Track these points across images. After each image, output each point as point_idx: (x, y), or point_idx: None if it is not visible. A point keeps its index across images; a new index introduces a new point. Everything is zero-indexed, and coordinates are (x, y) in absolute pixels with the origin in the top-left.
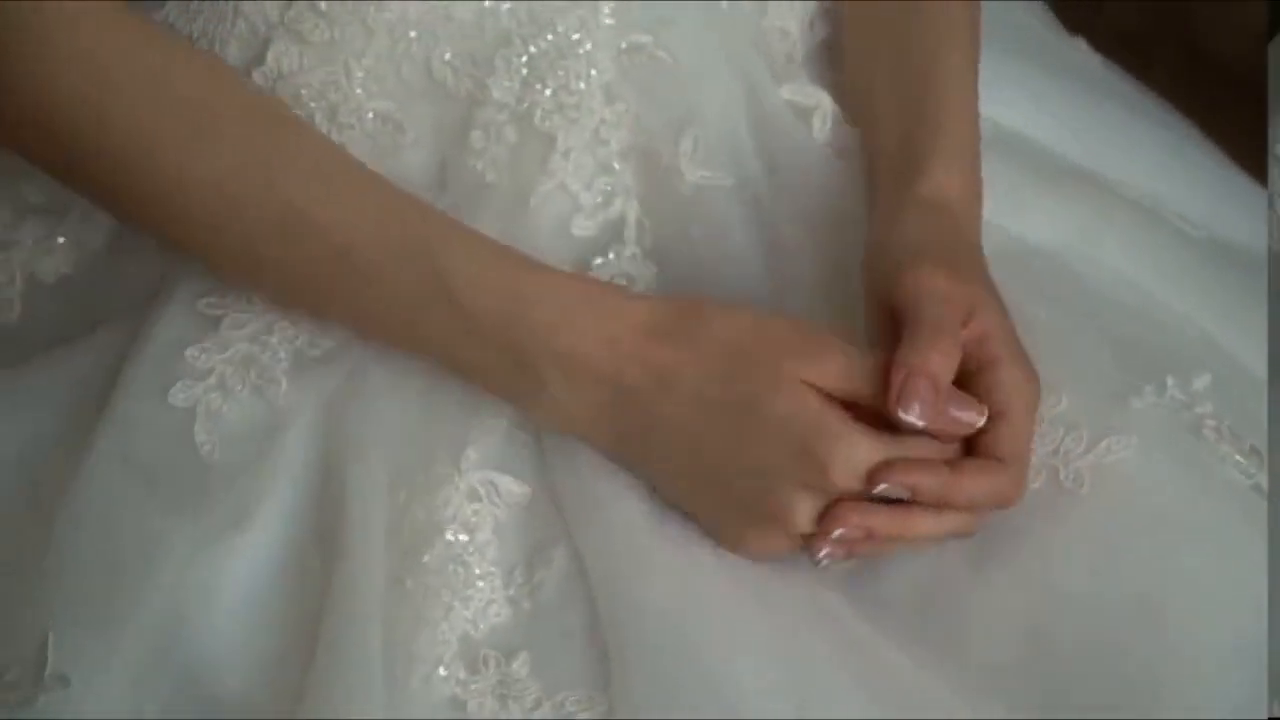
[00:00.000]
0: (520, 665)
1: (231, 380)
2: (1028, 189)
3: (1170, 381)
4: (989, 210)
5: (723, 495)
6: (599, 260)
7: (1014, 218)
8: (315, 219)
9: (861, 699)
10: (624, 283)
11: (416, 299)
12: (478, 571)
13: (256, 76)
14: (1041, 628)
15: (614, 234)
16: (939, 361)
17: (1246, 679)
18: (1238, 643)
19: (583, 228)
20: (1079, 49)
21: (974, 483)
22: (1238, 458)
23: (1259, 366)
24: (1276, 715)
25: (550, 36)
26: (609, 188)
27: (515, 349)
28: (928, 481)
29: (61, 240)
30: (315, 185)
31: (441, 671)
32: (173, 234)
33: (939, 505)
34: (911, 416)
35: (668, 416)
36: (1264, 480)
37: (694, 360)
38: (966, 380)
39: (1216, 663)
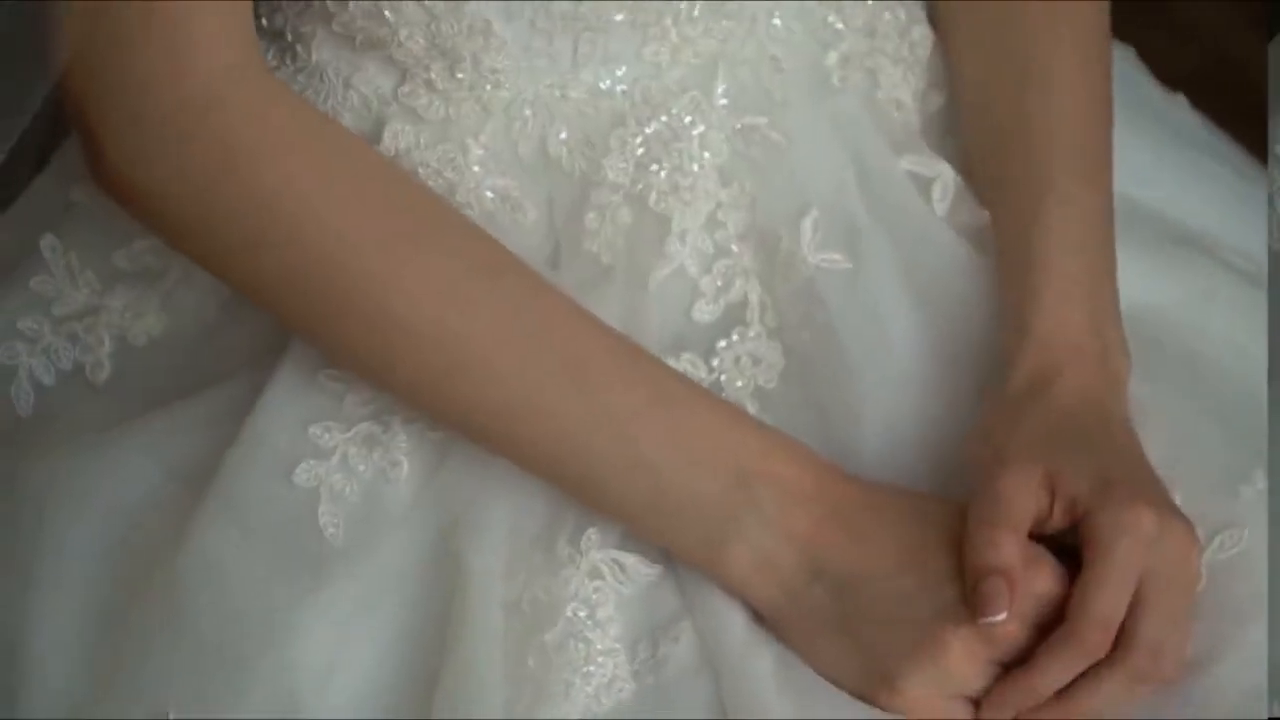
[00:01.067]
0: None
1: (354, 460)
2: (1137, 256)
3: None
4: None
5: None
6: (723, 343)
7: (1123, 284)
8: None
9: None
10: (750, 363)
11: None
12: (600, 648)
13: None
14: None
15: (736, 316)
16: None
17: None
18: None
19: (704, 312)
20: (1180, 105)
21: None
22: None
23: None
24: (1276, 715)
25: (664, 118)
26: (728, 270)
27: (737, 469)
28: None
29: (154, 305)
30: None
31: None
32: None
33: None
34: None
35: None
36: None
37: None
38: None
39: None
